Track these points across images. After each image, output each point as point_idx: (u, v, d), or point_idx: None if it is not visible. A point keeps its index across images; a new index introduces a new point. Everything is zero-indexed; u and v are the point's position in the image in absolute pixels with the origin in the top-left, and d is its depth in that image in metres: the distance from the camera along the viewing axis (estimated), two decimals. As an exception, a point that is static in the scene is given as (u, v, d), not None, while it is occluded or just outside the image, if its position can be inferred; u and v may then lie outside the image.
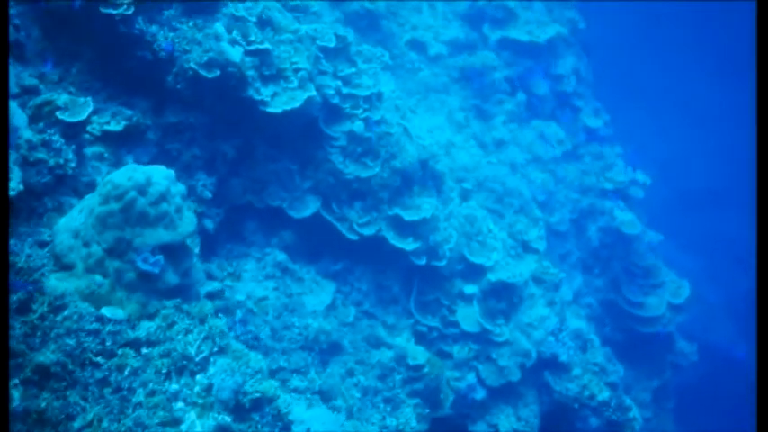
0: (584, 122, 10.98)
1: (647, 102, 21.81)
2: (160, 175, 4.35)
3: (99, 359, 3.91)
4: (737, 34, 22.60)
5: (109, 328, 4.04)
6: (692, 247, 17.13)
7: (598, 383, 7.58)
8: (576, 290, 9.56)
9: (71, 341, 3.87)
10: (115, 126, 5.31)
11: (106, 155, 5.24)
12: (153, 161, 5.46)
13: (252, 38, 5.93)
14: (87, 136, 5.18)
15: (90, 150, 5.15)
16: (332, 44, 6.62)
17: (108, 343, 4.00)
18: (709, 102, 22.99)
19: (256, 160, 6.23)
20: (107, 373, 3.88)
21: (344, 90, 6.54)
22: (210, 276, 5.74)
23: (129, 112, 5.42)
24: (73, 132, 4.99)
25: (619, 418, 7.45)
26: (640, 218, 10.83)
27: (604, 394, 7.49)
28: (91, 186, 4.93)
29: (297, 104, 5.95)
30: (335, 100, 6.46)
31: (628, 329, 10.32)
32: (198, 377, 3.99)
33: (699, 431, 12.59)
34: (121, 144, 5.36)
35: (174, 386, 3.91)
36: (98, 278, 4.17)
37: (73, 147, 4.93)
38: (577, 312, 8.81)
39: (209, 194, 5.76)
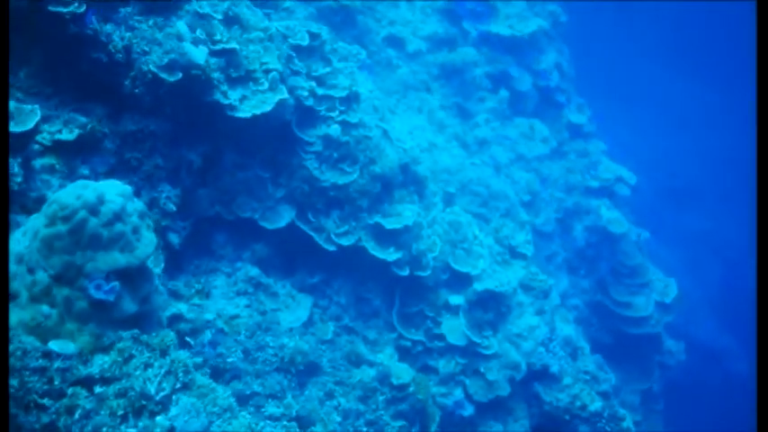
0: (568, 118, 10.68)
1: (621, 96, 21.66)
2: (114, 192, 3.92)
3: (46, 401, 3.48)
4: (717, 33, 22.60)
5: (57, 364, 3.60)
6: (670, 241, 17.04)
7: (590, 393, 7.26)
8: (562, 292, 9.28)
9: (14, 381, 3.44)
10: (68, 135, 4.86)
11: (58, 166, 4.78)
12: (111, 172, 5.04)
13: (218, 37, 5.51)
14: (36, 146, 4.72)
15: (39, 162, 4.69)
16: (305, 42, 6.23)
17: (56, 382, 3.56)
18: (685, 98, 22.96)
19: (225, 169, 5.82)
20: (55, 416, 3.45)
21: (319, 91, 6.15)
22: (176, 295, 5.32)
23: (84, 120, 4.96)
24: (19, 143, 4.53)
25: (612, 429, 7.13)
26: (626, 216, 10.59)
27: (596, 404, 7.17)
28: (40, 202, 4.47)
29: (268, 108, 5.55)
30: (310, 102, 6.08)
31: (615, 331, 10.10)
32: (158, 419, 3.57)
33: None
34: (75, 154, 4.91)
35: (132, 431, 3.49)
36: (45, 308, 3.74)
37: (19, 159, 4.48)
38: (565, 317, 8.49)
39: (173, 207, 5.32)
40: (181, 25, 5.29)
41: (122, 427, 3.51)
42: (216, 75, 5.38)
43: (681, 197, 19.65)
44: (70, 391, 3.55)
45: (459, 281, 6.72)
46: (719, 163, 20.37)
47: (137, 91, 5.10)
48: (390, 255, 6.26)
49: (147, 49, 5.11)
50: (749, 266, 14.56)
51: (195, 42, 5.31)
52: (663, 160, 20.10)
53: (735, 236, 18.34)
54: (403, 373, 5.84)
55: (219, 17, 5.67)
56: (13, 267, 3.79)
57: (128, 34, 5.09)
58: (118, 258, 3.84)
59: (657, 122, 21.77)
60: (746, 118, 14.12)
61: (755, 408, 4.96)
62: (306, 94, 6.04)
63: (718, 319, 16.58)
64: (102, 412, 3.53)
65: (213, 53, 5.42)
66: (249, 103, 5.50)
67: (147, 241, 4.01)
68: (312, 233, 6.11)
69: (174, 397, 3.70)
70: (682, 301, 10.37)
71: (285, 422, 4.98)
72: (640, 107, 21.78)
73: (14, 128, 4.50)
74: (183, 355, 3.87)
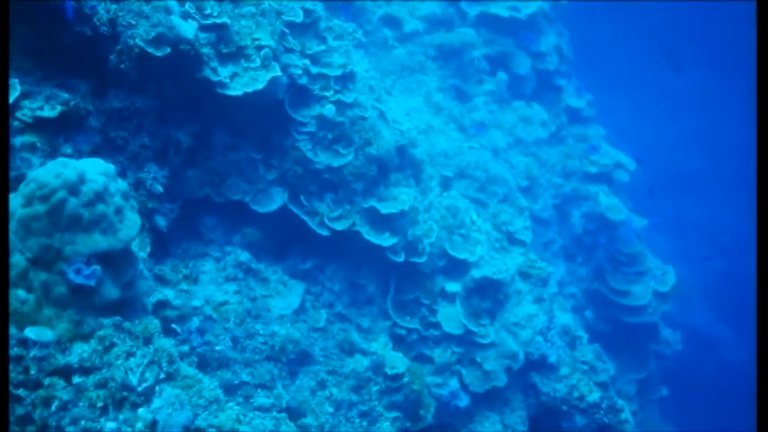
0: (567, 103, 10.47)
1: (619, 82, 21.46)
2: (96, 171, 3.70)
3: (21, 392, 3.28)
4: (717, 21, 22.41)
5: (34, 352, 3.40)
6: (664, 228, 16.94)
7: (587, 383, 7.11)
8: (559, 280, 9.13)
9: (-13, 371, 3.24)
10: (50, 112, 4.63)
11: (39, 144, 4.57)
12: (95, 151, 4.82)
13: (208, 11, 5.27)
14: (17, 123, 4.50)
15: (20, 140, 4.47)
16: (299, 19, 5.99)
17: (33, 371, 3.36)
18: (685, 85, 22.78)
19: (215, 149, 5.60)
20: (30, 408, 3.25)
21: (313, 69, 5.93)
22: (163, 280, 5.12)
23: (67, 96, 4.73)
24: (-3, 120, 4.31)
25: (610, 421, 6.98)
26: (625, 203, 10.43)
27: (594, 395, 7.02)
28: (20, 181, 4.25)
29: (259, 86, 5.32)
30: (303, 80, 5.85)
31: (612, 319, 9.97)
32: (140, 411, 3.38)
33: (685, 428, 12.37)
34: (58, 132, 4.68)
35: (111, 424, 3.29)
36: (21, 293, 3.54)
37: (-3, 136, 4.26)
38: (563, 305, 8.33)
39: (160, 188, 5.10)
40: (169, -2, 5.05)
41: (102, 420, 3.31)
42: (206, 50, 5.15)
43: (678, 185, 19.55)
44: (47, 381, 3.35)
45: (456, 267, 6.53)
46: (718, 151, 20.26)
47: (122, 66, 4.87)
48: (386, 240, 6.07)
49: (133, 22, 4.87)
50: (745, 255, 14.49)
51: (184, 16, 5.08)
52: (662, 147, 19.97)
53: (731, 224, 18.26)
54: (397, 362, 5.66)
55: (210, -10, 5.43)
56: (-13, 250, 3.58)
57: (113, 6, 4.84)
58: (99, 241, 3.63)
59: (656, 109, 21.62)
60: (746, 106, 13.98)
61: (754, 397, 4.87)
62: (299, 72, 5.82)
63: (713, 308, 16.53)
64: (81, 404, 3.33)
65: (203, 28, 5.19)
66: (240, 81, 5.28)
67: (131, 223, 3.80)
68: (305, 217, 5.91)
69: (157, 388, 3.50)
70: (679, 289, 10.24)
71: (275, 413, 4.79)
72: (639, 93, 21.61)
73: (-8, 103, 4.28)
74: (167, 343, 3.67)
